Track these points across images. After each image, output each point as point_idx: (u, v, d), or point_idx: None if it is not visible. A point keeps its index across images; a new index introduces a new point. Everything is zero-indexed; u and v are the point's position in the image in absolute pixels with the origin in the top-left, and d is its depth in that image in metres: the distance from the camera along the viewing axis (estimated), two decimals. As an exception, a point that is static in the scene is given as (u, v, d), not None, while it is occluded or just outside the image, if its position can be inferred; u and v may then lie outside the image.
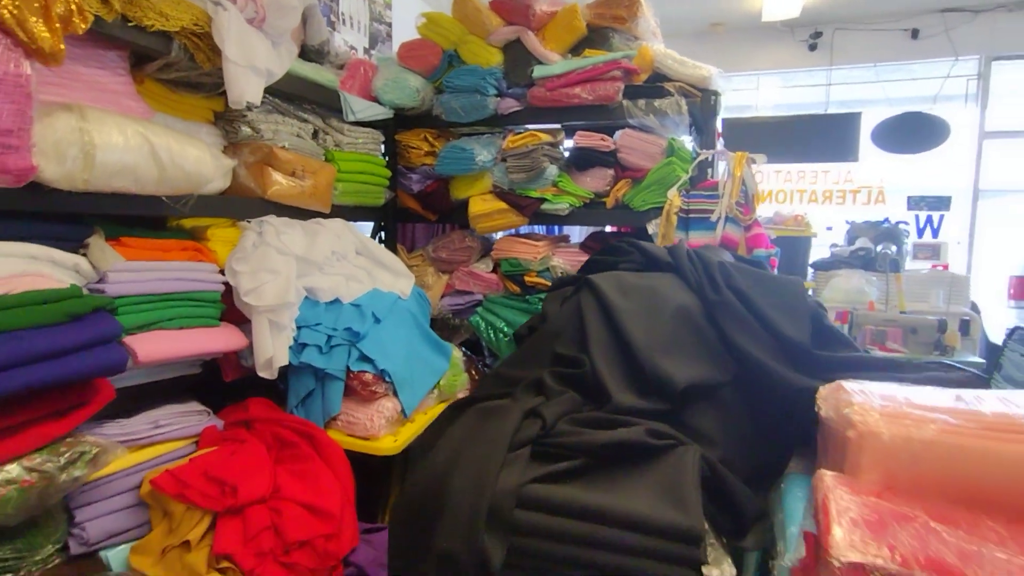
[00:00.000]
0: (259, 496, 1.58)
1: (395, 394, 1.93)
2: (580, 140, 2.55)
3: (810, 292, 4.33)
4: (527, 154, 2.50)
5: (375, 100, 2.63)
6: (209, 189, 1.82)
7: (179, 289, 1.71)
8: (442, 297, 2.75)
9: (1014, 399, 0.91)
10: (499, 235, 2.79)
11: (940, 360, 3.01)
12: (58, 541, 1.46)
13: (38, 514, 1.40)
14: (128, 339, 1.54)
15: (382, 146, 2.70)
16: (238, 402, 1.92)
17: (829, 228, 5.02)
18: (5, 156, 1.24)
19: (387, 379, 1.91)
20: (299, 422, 1.85)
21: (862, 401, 0.89)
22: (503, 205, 2.57)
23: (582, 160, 2.59)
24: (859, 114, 5.07)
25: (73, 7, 1.36)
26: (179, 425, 1.72)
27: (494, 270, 2.70)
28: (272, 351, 1.81)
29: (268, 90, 1.94)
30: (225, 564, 1.47)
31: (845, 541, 0.67)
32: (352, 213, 2.52)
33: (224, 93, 1.82)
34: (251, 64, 1.80)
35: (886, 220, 4.64)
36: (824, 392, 1.00)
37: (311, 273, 2.02)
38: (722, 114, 5.77)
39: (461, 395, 2.23)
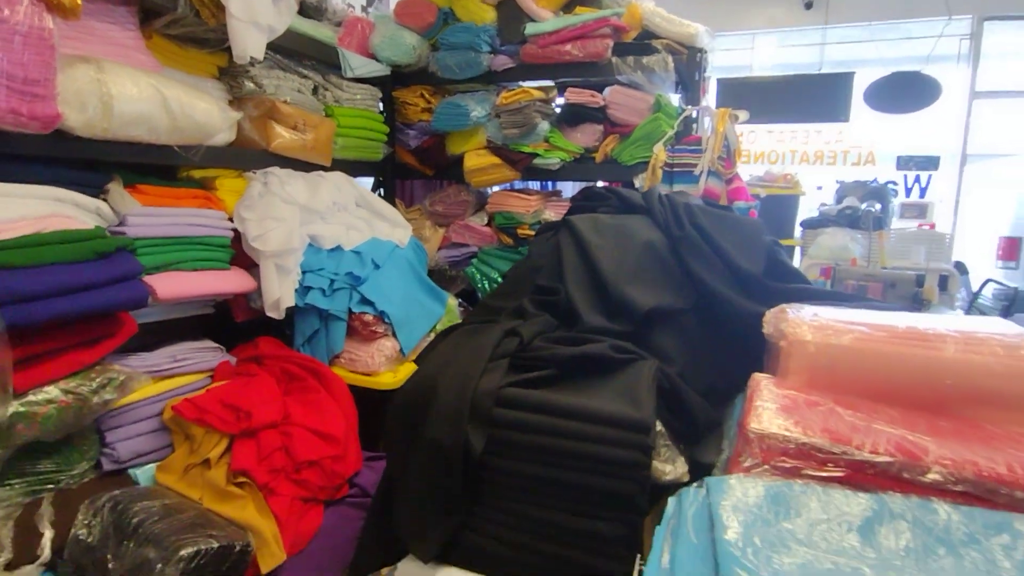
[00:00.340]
0: (271, 421, 1.73)
1: (394, 334, 2.08)
2: (571, 96, 2.63)
3: (797, 249, 4.45)
4: (520, 110, 2.58)
5: (373, 57, 2.70)
6: (217, 140, 1.92)
7: (191, 234, 1.84)
8: (439, 249, 2.87)
9: (929, 318, 1.04)
10: (494, 189, 2.90)
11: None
12: (92, 459, 1.63)
13: (74, 433, 1.57)
14: (147, 278, 1.67)
15: (380, 102, 2.79)
16: (248, 341, 2.07)
17: (819, 188, 5.11)
18: (33, 104, 1.35)
19: (386, 320, 2.05)
20: (305, 359, 2.00)
21: (795, 317, 1.02)
22: (497, 160, 2.67)
23: (573, 116, 2.68)
24: (852, 74, 5.09)
25: (87, -37, 1.45)
26: (196, 360, 1.87)
27: (488, 223, 2.81)
28: (279, 293, 1.95)
29: (269, 46, 2.02)
30: (242, 479, 1.64)
31: (759, 418, 0.81)
32: (352, 167, 2.63)
33: (228, 49, 1.91)
34: (253, 20, 1.89)
35: (875, 180, 4.73)
36: (769, 314, 1.13)
37: (314, 221, 2.14)
38: (717, 74, 5.79)
39: (456, 338, 2.38)
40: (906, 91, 4.90)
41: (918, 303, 3.59)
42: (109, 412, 1.63)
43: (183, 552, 1.37)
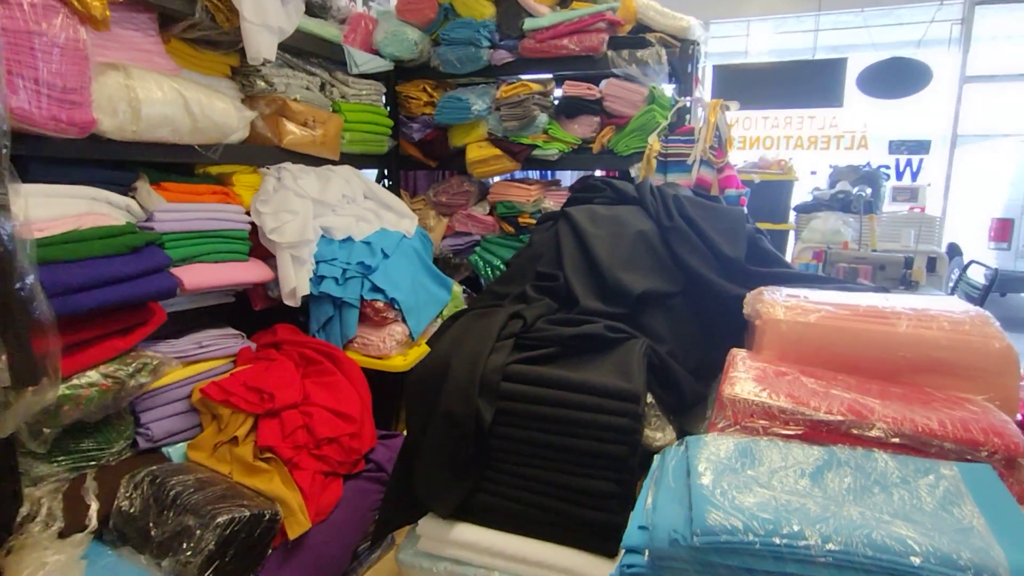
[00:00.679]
0: (292, 402, 1.86)
1: (403, 320, 2.21)
2: (568, 89, 2.73)
3: (791, 233, 4.56)
4: (519, 103, 2.69)
5: (376, 53, 2.79)
6: (233, 138, 2.03)
7: (213, 228, 1.95)
8: (443, 238, 2.99)
9: (889, 298, 1.16)
10: (495, 180, 3.01)
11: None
12: (128, 438, 1.76)
13: (112, 414, 1.70)
14: (175, 269, 1.79)
15: (384, 97, 2.89)
16: (267, 328, 2.20)
17: (813, 172, 5.21)
18: (72, 111, 1.46)
19: (396, 306, 2.18)
20: (321, 344, 2.13)
21: (770, 299, 1.15)
22: (498, 151, 2.78)
23: (570, 108, 2.78)
24: (845, 59, 5.17)
25: (113, -24, 1.55)
26: (219, 346, 2.00)
27: (490, 213, 2.93)
28: (295, 282, 2.07)
29: (279, 46, 2.12)
30: (268, 455, 1.77)
31: (732, 386, 0.93)
32: (358, 160, 2.73)
33: (240, 50, 2.02)
34: (265, 23, 1.99)
35: (867, 164, 4.82)
36: (748, 296, 1.25)
37: (325, 214, 2.25)
38: (714, 60, 5.85)
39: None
40: (898, 76, 4.98)
41: (906, 284, 3.71)
42: (143, 395, 1.76)
43: (220, 519, 1.50)
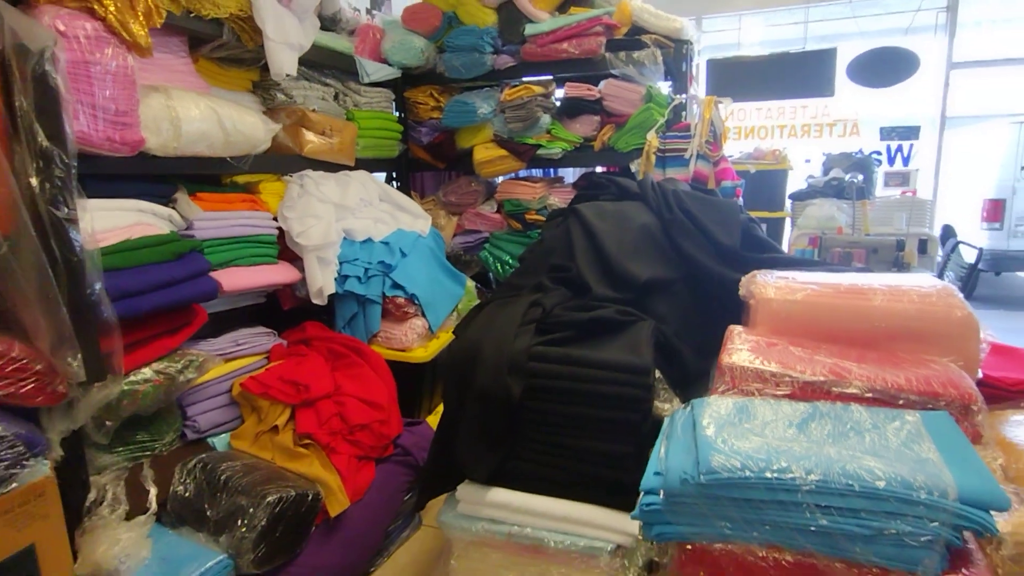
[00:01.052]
0: (325, 392, 2.01)
1: (423, 314, 2.35)
2: (569, 90, 2.87)
3: (787, 221, 4.70)
4: (523, 105, 2.82)
5: (384, 62, 2.93)
6: (260, 150, 2.17)
7: (245, 233, 2.10)
8: (453, 236, 3.13)
9: (867, 277, 1.31)
10: (501, 179, 3.15)
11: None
12: (177, 430, 1.91)
13: (162, 408, 1.85)
14: (214, 273, 1.94)
15: (393, 103, 3.03)
16: (295, 326, 2.34)
17: (807, 160, 5.34)
18: (123, 132, 1.60)
19: (416, 302, 2.32)
20: (347, 339, 2.27)
21: (762, 280, 1.29)
22: (503, 152, 2.91)
23: (571, 108, 2.92)
24: (835, 49, 5.29)
25: (151, 5, 1.69)
26: (254, 343, 2.15)
27: (498, 210, 3.07)
28: (322, 282, 2.22)
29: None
30: (306, 441, 1.92)
31: (730, 355, 1.08)
32: (372, 165, 2.88)
33: (261, 66, 2.16)
34: (286, 40, 2.13)
35: (860, 151, 4.95)
36: (744, 279, 1.40)
37: (346, 217, 2.40)
38: (708, 54, 5.97)
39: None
40: (886, 65, 5.11)
41: (899, 266, 3.85)
42: (189, 390, 1.91)
43: (269, 498, 1.65)
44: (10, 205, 1.29)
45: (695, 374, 1.46)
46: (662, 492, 0.88)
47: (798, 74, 5.19)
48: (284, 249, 2.25)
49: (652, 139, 2.66)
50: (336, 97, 2.69)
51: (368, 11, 4.18)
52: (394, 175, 3.24)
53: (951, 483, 0.76)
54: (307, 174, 2.36)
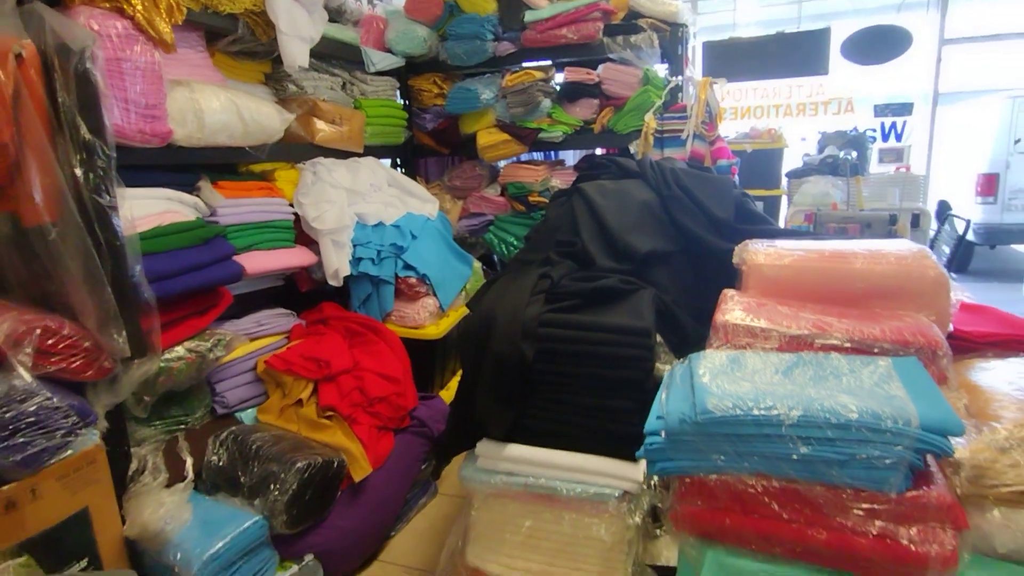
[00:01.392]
0: (345, 368, 2.13)
1: (434, 293, 2.47)
2: (569, 75, 2.96)
3: (783, 198, 4.79)
4: (524, 90, 2.91)
5: (388, 51, 3.01)
6: (275, 139, 2.27)
7: (264, 219, 2.20)
8: (459, 220, 3.24)
9: (849, 243, 1.41)
10: (504, 163, 3.25)
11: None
12: (207, 405, 2.03)
13: (194, 384, 1.96)
14: (237, 257, 2.05)
15: (398, 91, 3.11)
16: (313, 307, 2.46)
17: (803, 139, 5.42)
18: (153, 124, 1.71)
19: (427, 281, 2.43)
20: (363, 318, 2.39)
21: (754, 248, 1.40)
22: (506, 136, 3.01)
23: (571, 92, 3.01)
24: (828, 29, 5.35)
25: (173, 2, 1.79)
26: (275, 323, 2.26)
27: (502, 193, 3.17)
28: (337, 264, 2.33)
29: (307, 52, 2.35)
30: (329, 413, 2.04)
31: (723, 314, 1.19)
32: (379, 151, 2.97)
33: (273, 58, 2.25)
34: (298, 33, 2.22)
35: (854, 129, 5.03)
36: (737, 249, 1.50)
37: (358, 202, 2.50)
38: (703, 35, 6.01)
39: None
40: (879, 42, 5.17)
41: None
42: (216, 368, 2.03)
43: (299, 464, 1.78)
44: (57, 194, 1.40)
45: (692, 339, 1.57)
46: (663, 432, 0.99)
47: (793, 54, 5.26)
48: (300, 234, 2.36)
49: (650, 120, 2.75)
50: (344, 86, 2.78)
51: (371, 1, 4.26)
52: (399, 161, 3.34)
53: (914, 413, 0.87)
54: (319, 161, 2.46)
